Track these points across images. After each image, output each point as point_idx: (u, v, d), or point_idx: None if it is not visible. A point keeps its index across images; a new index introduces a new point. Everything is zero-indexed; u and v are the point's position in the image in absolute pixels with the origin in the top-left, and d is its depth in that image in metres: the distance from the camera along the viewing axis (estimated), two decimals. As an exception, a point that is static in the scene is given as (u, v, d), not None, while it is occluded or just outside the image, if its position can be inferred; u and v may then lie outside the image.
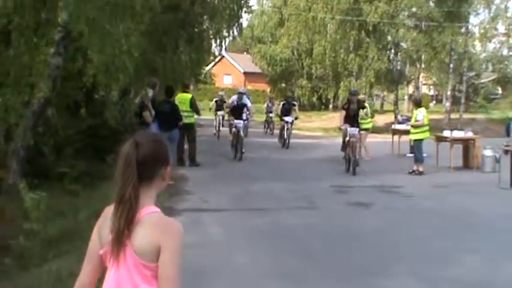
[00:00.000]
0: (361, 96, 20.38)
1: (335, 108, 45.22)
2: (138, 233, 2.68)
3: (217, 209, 11.75)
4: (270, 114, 31.19)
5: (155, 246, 2.66)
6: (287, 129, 24.55)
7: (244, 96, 21.46)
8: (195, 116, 17.93)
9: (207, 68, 56.44)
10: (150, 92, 14.76)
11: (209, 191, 13.62)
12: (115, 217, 2.70)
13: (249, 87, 73.50)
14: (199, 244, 8.86)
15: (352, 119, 17.27)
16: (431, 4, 37.72)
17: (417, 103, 18.68)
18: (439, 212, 11.87)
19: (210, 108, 30.27)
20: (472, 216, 11.56)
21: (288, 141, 24.37)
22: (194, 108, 17.51)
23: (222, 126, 27.88)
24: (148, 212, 2.74)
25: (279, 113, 25.94)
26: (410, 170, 17.15)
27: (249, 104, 21.91)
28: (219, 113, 28.20)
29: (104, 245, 2.73)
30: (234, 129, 20.00)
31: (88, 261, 2.82)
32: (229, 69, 76.05)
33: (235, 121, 19.92)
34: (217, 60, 65.15)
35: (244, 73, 75.58)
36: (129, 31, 10.45)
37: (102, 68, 10.79)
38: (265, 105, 33.21)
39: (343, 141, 17.87)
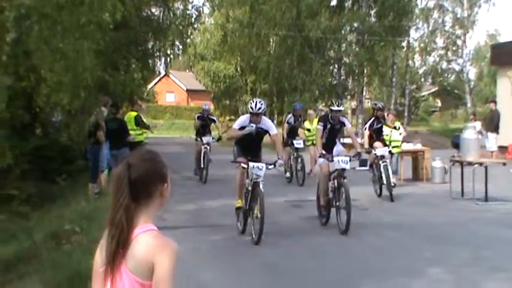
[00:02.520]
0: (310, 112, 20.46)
1: (280, 124, 45.33)
2: (132, 252, 2.68)
3: (176, 226, 11.55)
4: None
5: (150, 264, 2.68)
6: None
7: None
8: (146, 135, 17.74)
9: (150, 86, 56.06)
10: (105, 111, 14.54)
11: (165, 209, 13.37)
12: (108, 239, 2.71)
13: (192, 104, 73.53)
14: (162, 264, 8.67)
15: None
16: (373, 19, 38.25)
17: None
18: (396, 225, 11.93)
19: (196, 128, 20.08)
20: (429, 228, 11.65)
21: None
22: (141, 125, 17.21)
23: (208, 161, 18.67)
24: (143, 230, 2.74)
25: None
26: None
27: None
28: (205, 139, 18.83)
29: (103, 263, 2.73)
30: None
31: (95, 281, 2.81)
32: (172, 87, 75.78)
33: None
34: (159, 78, 64.95)
35: (187, 91, 75.42)
36: (82, 49, 10.24)
37: (55, 87, 10.54)
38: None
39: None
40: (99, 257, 2.78)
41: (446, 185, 15.47)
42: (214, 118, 20.39)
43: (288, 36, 36.98)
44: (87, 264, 3.27)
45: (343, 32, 38.08)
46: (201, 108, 20.10)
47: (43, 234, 9.67)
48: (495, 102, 24.83)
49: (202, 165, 18.56)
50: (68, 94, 11.07)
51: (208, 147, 18.71)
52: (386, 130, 16.43)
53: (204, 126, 19.22)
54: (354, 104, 48.05)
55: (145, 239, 2.72)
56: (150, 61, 25.30)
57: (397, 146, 17.40)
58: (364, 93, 44.81)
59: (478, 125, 20.37)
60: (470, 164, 14.78)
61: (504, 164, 17.02)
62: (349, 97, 44.10)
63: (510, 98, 27.85)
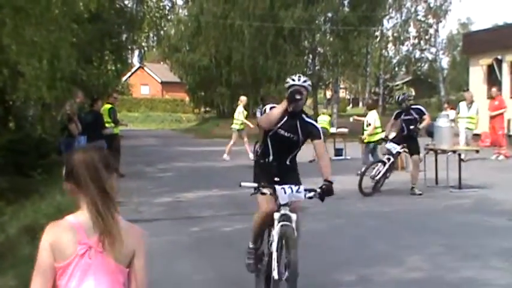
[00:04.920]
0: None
1: (255, 115, 45.33)
2: (117, 240, 2.70)
3: (152, 219, 11.52)
4: None
5: (131, 251, 2.74)
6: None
7: None
8: (122, 127, 17.73)
9: (124, 79, 55.77)
10: (75, 104, 14.46)
11: (141, 202, 13.37)
12: (99, 221, 2.67)
13: (166, 96, 73.31)
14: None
15: None
16: (347, 9, 38.35)
17: (369, 106, 19.10)
18: (372, 213, 12.00)
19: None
20: (405, 216, 11.75)
21: None
22: (112, 118, 17.13)
23: None
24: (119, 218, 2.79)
25: None
26: (358, 172, 17.45)
27: None
28: None
29: (66, 258, 2.66)
30: None
31: (40, 276, 2.70)
32: (147, 80, 75.53)
33: None
34: (134, 70, 64.65)
35: (162, 83, 75.17)
36: (57, 43, 10.14)
37: (33, 81, 10.44)
38: None
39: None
40: (50, 254, 2.68)
41: (421, 173, 15.57)
42: None
43: (262, 27, 36.92)
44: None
45: (317, 22, 38.12)
46: None
47: (18, 228, 9.59)
48: (468, 90, 25.01)
49: None
50: (45, 87, 10.95)
51: None
52: None
53: None
54: (329, 94, 48.22)
55: (125, 227, 2.77)
56: (124, 53, 25.18)
57: (371, 135, 17.76)
58: (338, 83, 44.98)
59: (452, 113, 20.47)
60: (444, 152, 14.91)
61: (477, 151, 17.22)
62: (323, 87, 44.22)
63: (482, 86, 28.16)
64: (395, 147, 14.22)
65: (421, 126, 14.09)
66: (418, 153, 14.34)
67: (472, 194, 13.91)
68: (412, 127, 14.12)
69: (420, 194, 13.85)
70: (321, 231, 10.43)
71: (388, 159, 14.20)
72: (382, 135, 17.81)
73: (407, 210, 12.26)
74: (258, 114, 19.01)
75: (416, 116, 14.12)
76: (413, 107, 14.41)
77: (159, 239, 9.95)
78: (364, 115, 19.83)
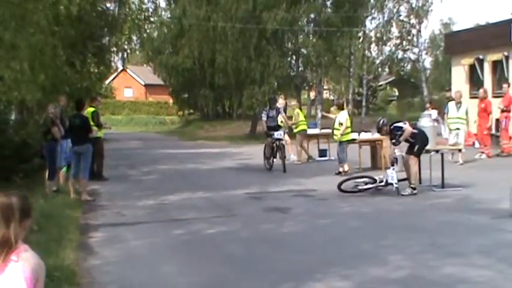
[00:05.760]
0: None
1: (239, 117, 45.34)
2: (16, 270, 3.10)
3: (136, 222, 11.51)
4: None
5: (35, 280, 3.13)
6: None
7: None
8: (106, 130, 17.78)
9: (107, 82, 55.57)
10: (58, 107, 14.39)
11: (124, 205, 13.35)
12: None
13: (150, 99, 73.13)
14: (123, 259, 8.67)
15: None
16: (329, 10, 38.42)
17: (339, 106, 19.16)
18: (356, 213, 12.03)
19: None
20: (388, 215, 11.80)
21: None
22: (96, 122, 17.10)
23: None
24: (23, 249, 3.19)
25: None
26: (337, 171, 17.52)
27: None
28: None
29: None
30: None
31: None
32: (130, 82, 75.27)
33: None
34: (117, 73, 64.39)
35: (145, 85, 74.95)
36: (38, 46, 10.08)
37: (13, 85, 10.37)
38: None
39: None
40: None
41: (403, 173, 15.61)
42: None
43: (245, 29, 36.90)
44: (45, 263, 3.28)
45: (300, 23, 38.15)
46: None
47: None
48: (450, 90, 25.17)
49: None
50: (26, 91, 10.89)
51: None
52: None
53: None
54: (312, 94, 48.32)
55: (27, 257, 3.18)
56: (107, 56, 25.08)
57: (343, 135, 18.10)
58: (322, 84, 45.05)
59: (434, 113, 20.58)
60: (427, 151, 14.97)
61: (459, 150, 17.33)
62: (307, 88, 44.30)
63: (464, 86, 28.30)
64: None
65: (401, 139, 14.15)
66: (414, 154, 14.32)
67: (454, 193, 13.98)
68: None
69: (410, 194, 13.88)
70: (302, 232, 10.46)
71: (381, 181, 14.24)
72: (353, 135, 18.09)
73: (390, 210, 12.30)
74: (264, 117, 19.37)
75: (398, 133, 14.19)
76: (393, 127, 14.46)
77: (142, 242, 9.95)
78: (330, 112, 20.33)
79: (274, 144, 19.02)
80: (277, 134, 18.90)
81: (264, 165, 19.45)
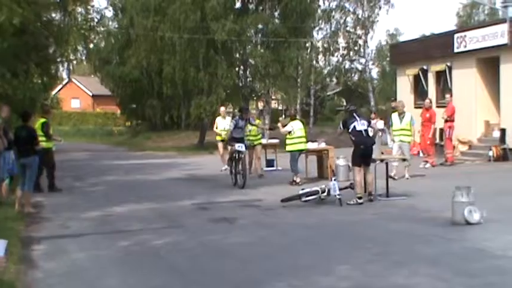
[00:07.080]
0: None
1: (187, 127, 45.13)
2: None
3: (79, 234, 11.34)
4: None
5: None
6: None
7: None
8: (56, 142, 17.63)
9: (54, 93, 54.85)
10: (0, 119, 14.11)
11: (69, 217, 13.15)
12: None
13: (98, 109, 72.36)
14: (65, 272, 8.55)
15: None
16: (277, 20, 38.59)
17: (292, 117, 19.12)
18: (301, 223, 12.06)
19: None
20: (335, 225, 11.84)
21: None
22: (45, 133, 16.93)
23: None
24: None
25: None
26: (291, 181, 17.54)
27: None
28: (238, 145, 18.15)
29: None
30: None
31: None
32: (77, 93, 74.52)
33: None
34: (64, 84, 63.63)
35: (93, 96, 74.22)
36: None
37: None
38: None
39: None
40: None
41: (348, 183, 15.72)
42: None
43: (193, 39, 36.80)
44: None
45: (248, 34, 38.21)
46: None
47: None
48: (396, 100, 25.51)
49: None
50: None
51: None
52: None
53: None
54: (261, 105, 48.38)
55: None
56: (52, 67, 24.73)
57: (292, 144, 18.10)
58: (270, 94, 45.19)
59: (380, 123, 20.75)
60: (373, 161, 15.12)
61: (404, 159, 17.55)
62: (255, 98, 44.33)
63: (409, 96, 28.77)
64: None
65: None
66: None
67: (399, 202, 14.15)
68: None
69: (355, 204, 14.01)
70: (249, 243, 10.43)
71: (323, 191, 14.23)
72: (305, 145, 18.14)
73: (336, 220, 12.36)
74: (232, 126, 18.61)
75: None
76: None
77: (86, 254, 9.80)
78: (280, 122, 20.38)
79: (234, 155, 18.18)
80: (238, 146, 17.93)
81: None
